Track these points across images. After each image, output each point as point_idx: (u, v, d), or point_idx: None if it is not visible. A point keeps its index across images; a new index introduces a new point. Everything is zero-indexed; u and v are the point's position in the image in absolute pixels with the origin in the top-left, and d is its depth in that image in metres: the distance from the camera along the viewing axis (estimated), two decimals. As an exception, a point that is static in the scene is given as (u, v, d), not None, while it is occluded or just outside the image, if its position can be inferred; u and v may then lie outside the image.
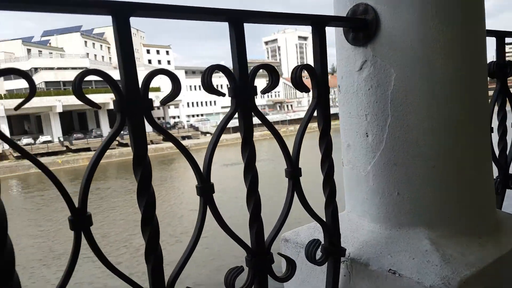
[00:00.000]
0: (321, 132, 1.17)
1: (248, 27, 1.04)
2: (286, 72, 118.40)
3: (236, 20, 1.00)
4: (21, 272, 14.27)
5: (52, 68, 56.54)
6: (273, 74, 1.06)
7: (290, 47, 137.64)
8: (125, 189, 31.64)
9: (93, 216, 0.82)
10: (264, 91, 1.06)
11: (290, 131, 65.81)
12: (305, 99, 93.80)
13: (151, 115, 0.91)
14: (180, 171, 38.72)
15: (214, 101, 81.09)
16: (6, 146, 47.60)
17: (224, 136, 57.96)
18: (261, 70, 1.07)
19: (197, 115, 79.79)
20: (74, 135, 53.47)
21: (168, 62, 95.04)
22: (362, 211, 1.34)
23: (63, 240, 18.89)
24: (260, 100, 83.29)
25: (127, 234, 18.80)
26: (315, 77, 1.13)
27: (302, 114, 78.74)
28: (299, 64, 1.12)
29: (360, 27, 1.22)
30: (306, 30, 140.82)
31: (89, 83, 55.76)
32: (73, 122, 61.06)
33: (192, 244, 0.97)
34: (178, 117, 69.85)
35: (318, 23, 1.13)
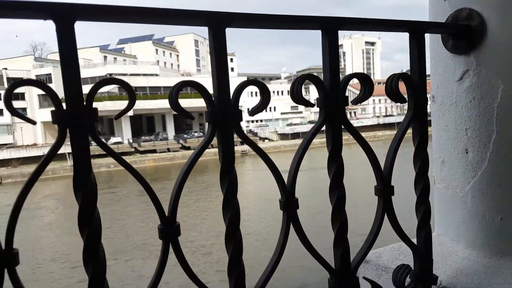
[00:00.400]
0: (416, 147, 1.08)
1: (308, 32, 0.98)
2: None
3: (331, 28, 0.97)
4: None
5: (125, 74, 60.23)
6: (366, 84, 1.01)
7: (356, 53, 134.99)
8: (188, 190, 32.82)
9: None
10: (355, 101, 1.01)
11: (352, 139, 63.77)
12: (370, 106, 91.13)
13: (240, 127, 0.90)
14: (247, 177, 39.29)
15: (274, 107, 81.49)
16: (82, 146, 51.39)
17: (282, 142, 57.88)
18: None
19: (256, 121, 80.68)
20: (142, 137, 56.56)
21: (232, 69, 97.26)
22: (456, 235, 1.23)
23: (127, 234, 19.90)
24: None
25: (193, 234, 19.18)
26: (412, 87, 1.06)
27: (366, 122, 76.37)
28: (363, 70, 1.02)
29: (462, 34, 1.12)
30: (374, 36, 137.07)
31: (157, 89, 58.73)
32: (142, 125, 64.61)
33: (274, 261, 0.93)
34: (205, 121, 71.10)
35: (416, 30, 1.05)
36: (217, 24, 0.84)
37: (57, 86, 58.35)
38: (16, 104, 56.13)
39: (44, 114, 59.48)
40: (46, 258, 17.12)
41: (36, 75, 60.46)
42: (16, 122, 59.03)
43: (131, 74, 60.76)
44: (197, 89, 0.86)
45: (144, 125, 65.49)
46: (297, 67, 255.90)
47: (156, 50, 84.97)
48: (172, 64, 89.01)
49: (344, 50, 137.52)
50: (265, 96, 0.95)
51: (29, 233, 20.12)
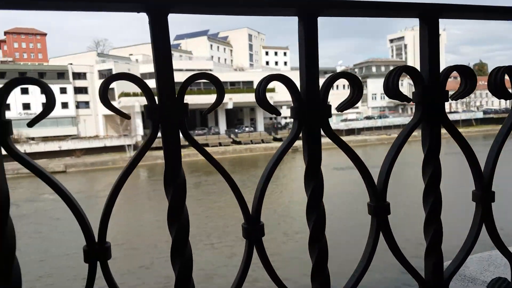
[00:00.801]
0: (426, 154, 0.98)
1: (371, 23, 0.88)
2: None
3: (432, 14, 0.90)
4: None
5: (181, 70, 61.81)
6: (468, 78, 0.92)
7: (418, 45, 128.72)
8: (241, 183, 33.00)
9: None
10: (455, 97, 0.93)
11: (413, 137, 60.19)
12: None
13: (329, 124, 0.87)
14: (298, 174, 38.81)
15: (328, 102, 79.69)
16: (139, 138, 53.78)
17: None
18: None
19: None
20: (196, 131, 57.89)
21: (285, 63, 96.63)
22: None
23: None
24: (379, 101, 79.23)
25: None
26: (420, 82, 0.96)
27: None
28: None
29: None
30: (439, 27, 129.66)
31: (211, 84, 59.61)
32: (196, 119, 66.14)
33: (360, 270, 0.89)
34: (290, 117, 70.48)
35: (428, 14, 0.93)
36: (310, 13, 0.80)
37: (118, 82, 61.11)
38: (80, 97, 59.91)
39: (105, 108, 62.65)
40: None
41: (98, 70, 63.90)
42: (80, 115, 62.93)
43: (186, 70, 62.22)
44: (285, 83, 0.83)
45: (197, 120, 67.03)
46: (354, 59, 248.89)
47: (211, 45, 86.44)
48: (225, 59, 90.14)
49: (405, 42, 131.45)
50: (356, 89, 0.88)
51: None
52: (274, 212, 21.49)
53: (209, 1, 0.77)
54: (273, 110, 0.84)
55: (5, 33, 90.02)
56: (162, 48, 0.78)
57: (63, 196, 0.77)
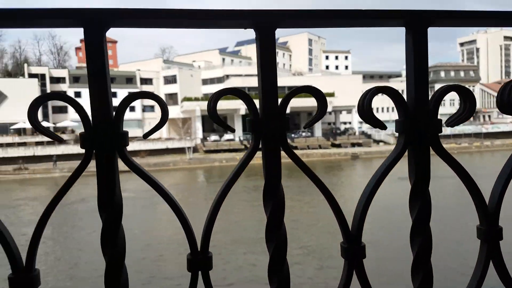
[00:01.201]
0: (413, 185, 0.86)
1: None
2: (484, 77, 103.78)
3: (420, 23, 0.83)
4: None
5: (240, 75, 63.23)
6: (468, 99, 0.80)
7: (492, 49, 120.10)
8: (298, 189, 33.08)
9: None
10: (451, 123, 0.82)
11: (486, 147, 57.07)
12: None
13: (286, 140, 0.84)
14: (347, 179, 38.09)
15: (392, 108, 76.88)
16: (198, 141, 55.80)
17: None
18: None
19: (371, 122, 77.03)
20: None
21: (346, 67, 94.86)
22: None
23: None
24: (448, 108, 75.13)
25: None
26: (401, 99, 0.86)
27: (503, 128, 66.88)
28: (500, 69, 0.87)
29: None
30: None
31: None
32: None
33: None
34: (350, 123, 68.94)
35: (415, 22, 0.84)
36: (267, 26, 0.79)
37: (182, 87, 64.37)
38: (146, 101, 63.20)
39: (169, 111, 65.69)
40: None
41: (163, 76, 67.24)
42: (145, 118, 66.59)
43: (245, 75, 63.51)
44: (241, 96, 0.81)
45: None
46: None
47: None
48: (284, 64, 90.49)
49: (478, 46, 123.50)
50: (468, 104, 0.79)
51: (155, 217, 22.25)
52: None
53: (316, 15, 0.76)
54: (379, 123, 0.78)
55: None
56: (268, 62, 0.79)
57: (172, 206, 0.78)
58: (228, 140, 56.93)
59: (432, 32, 0.77)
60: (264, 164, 0.79)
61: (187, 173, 43.42)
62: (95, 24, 0.72)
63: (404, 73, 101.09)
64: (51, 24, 0.72)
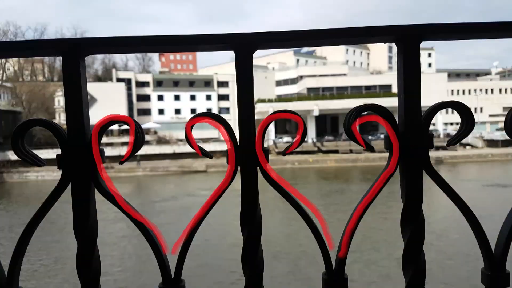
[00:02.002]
0: (405, 205, 0.81)
1: None
2: None
3: (411, 37, 0.80)
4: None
5: (314, 75, 62.21)
6: (465, 116, 0.78)
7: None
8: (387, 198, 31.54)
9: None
10: (452, 142, 0.80)
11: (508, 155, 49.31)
12: None
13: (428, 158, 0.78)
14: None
15: (481, 108, 70.16)
16: (271, 142, 55.85)
17: (489, 150, 48.59)
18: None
19: (457, 123, 71.09)
20: (326, 137, 57.29)
21: (429, 65, 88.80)
22: None
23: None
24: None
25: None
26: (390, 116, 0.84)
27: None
28: None
29: None
30: None
31: (344, 89, 58.37)
32: (326, 125, 65.53)
33: None
34: (434, 124, 64.22)
35: (406, 37, 0.81)
36: (244, 48, 0.82)
37: (256, 89, 64.68)
38: (222, 104, 65.18)
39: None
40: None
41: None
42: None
43: (320, 75, 62.35)
44: (219, 121, 0.82)
45: (328, 125, 66.28)
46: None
47: (347, 49, 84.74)
48: (361, 62, 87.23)
49: None
50: (464, 121, 0.77)
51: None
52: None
53: (296, 36, 0.78)
54: (364, 143, 0.77)
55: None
56: (246, 83, 0.81)
57: (302, 214, 0.80)
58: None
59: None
60: (402, 186, 0.74)
61: (259, 174, 43.53)
62: (73, 53, 0.75)
63: (494, 70, 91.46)
64: (206, 49, 0.81)
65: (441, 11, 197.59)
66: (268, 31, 0.79)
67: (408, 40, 0.75)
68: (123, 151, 52.02)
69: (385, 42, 0.81)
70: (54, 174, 45.00)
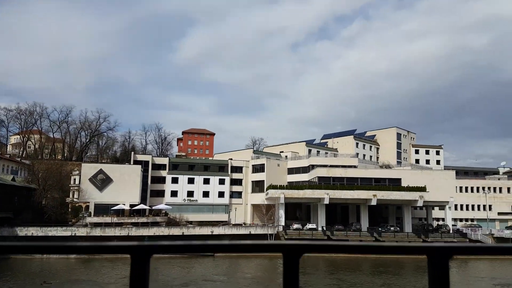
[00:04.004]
0: None
1: None
2: None
3: (440, 256, 0.92)
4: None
5: (325, 166, 64.05)
6: None
7: None
8: (373, 283, 30.98)
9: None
10: None
11: None
12: None
13: None
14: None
15: (489, 206, 69.96)
16: (281, 228, 55.80)
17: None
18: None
19: (466, 220, 70.33)
20: (336, 226, 57.01)
21: (438, 162, 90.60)
22: None
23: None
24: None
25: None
26: None
27: None
28: None
29: None
30: None
31: (354, 180, 59.68)
32: (336, 214, 65.54)
33: None
34: (443, 219, 63.71)
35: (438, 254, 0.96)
36: (294, 253, 0.94)
37: (268, 175, 67.01)
38: (234, 188, 66.39)
39: (254, 198, 68.09)
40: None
41: (252, 165, 70.85)
42: (232, 203, 69.32)
43: (330, 166, 64.20)
44: None
45: (338, 215, 66.25)
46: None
47: (357, 143, 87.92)
48: (371, 156, 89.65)
49: None
50: None
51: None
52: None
53: (339, 247, 0.93)
54: None
55: (183, 132, 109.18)
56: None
57: None
58: (310, 229, 56.06)
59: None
60: None
61: (267, 262, 43.17)
62: (141, 253, 0.89)
63: (501, 170, 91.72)
64: (106, 252, 0.95)
65: (453, 111, 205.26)
66: (312, 244, 0.91)
67: (438, 257, 0.83)
68: (132, 231, 52.44)
69: (417, 256, 0.92)
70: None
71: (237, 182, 70.63)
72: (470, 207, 71.35)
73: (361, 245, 0.91)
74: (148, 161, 67.94)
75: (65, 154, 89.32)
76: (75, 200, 60.61)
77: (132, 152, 74.26)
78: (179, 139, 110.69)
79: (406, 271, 39.51)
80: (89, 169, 62.13)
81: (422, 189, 57.33)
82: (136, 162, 66.36)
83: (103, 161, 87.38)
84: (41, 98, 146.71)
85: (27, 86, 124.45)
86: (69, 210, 59.74)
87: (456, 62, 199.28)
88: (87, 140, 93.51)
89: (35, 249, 0.92)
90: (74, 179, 62.40)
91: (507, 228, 61.88)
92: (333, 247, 0.91)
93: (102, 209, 59.11)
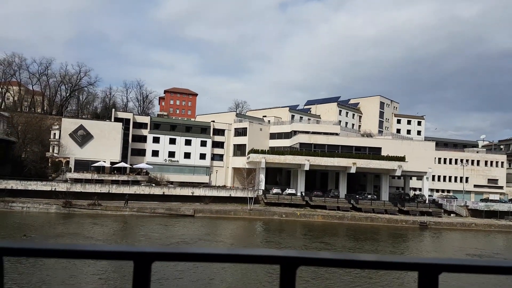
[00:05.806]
0: None
1: None
2: None
3: (431, 271, 0.98)
4: None
5: (307, 132, 64.23)
6: None
7: None
8: (346, 248, 31.95)
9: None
10: None
11: None
12: None
13: None
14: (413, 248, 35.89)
15: (466, 178, 72.16)
16: (260, 192, 56.49)
17: (473, 220, 48.99)
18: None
19: (442, 191, 72.62)
20: (315, 192, 58.04)
21: (419, 132, 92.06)
22: None
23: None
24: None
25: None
26: None
27: None
28: None
29: None
30: None
31: (335, 147, 60.18)
32: (316, 180, 66.60)
33: None
34: (420, 189, 65.57)
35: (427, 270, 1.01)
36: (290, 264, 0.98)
37: (250, 139, 67.02)
38: (216, 150, 66.22)
39: (235, 161, 68.36)
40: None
41: (234, 128, 70.54)
42: (213, 166, 69.48)
43: (312, 132, 64.43)
44: None
45: (318, 181, 67.34)
46: (500, 135, 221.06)
47: (340, 111, 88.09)
48: (353, 124, 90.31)
49: None
50: None
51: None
52: None
53: (334, 261, 0.96)
54: None
55: (165, 91, 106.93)
56: None
57: None
58: (290, 194, 56.93)
59: None
60: None
61: (246, 224, 43.89)
62: (143, 259, 0.94)
63: (480, 143, 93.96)
64: (109, 258, 0.98)
65: (436, 82, 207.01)
66: (310, 257, 0.96)
67: (428, 271, 0.87)
68: (112, 188, 52.18)
69: (407, 271, 0.96)
70: (40, 207, 44.91)
71: (219, 144, 70.51)
72: (447, 179, 73.39)
73: (358, 260, 0.95)
74: (129, 119, 66.87)
75: (45, 108, 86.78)
76: (55, 155, 59.64)
77: (113, 109, 72.58)
78: (161, 98, 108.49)
79: (381, 236, 40.81)
80: (69, 124, 60.78)
81: (401, 159, 58.31)
82: (117, 120, 65.24)
83: (84, 116, 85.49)
84: (20, 49, 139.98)
85: (3, 35, 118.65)
86: (49, 164, 58.98)
87: (444, 32, 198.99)
88: (68, 94, 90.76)
89: (34, 252, 0.94)
90: (54, 134, 61.18)
91: (482, 200, 64.13)
92: (331, 261, 0.96)
93: (82, 165, 58.55)
